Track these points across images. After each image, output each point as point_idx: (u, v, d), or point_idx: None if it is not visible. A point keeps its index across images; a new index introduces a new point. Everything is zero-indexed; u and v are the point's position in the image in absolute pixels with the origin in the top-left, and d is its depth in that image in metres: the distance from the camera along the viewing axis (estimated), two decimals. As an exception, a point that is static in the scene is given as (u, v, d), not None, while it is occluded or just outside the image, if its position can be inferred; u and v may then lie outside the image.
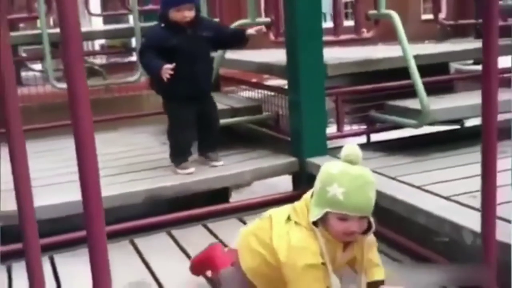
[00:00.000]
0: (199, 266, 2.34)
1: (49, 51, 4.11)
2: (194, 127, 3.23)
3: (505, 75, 3.00)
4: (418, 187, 2.62)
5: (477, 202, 1.89)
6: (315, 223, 1.82)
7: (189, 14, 3.01)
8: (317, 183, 1.85)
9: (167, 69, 2.93)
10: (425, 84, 2.98)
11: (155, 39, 3.06)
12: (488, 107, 1.58)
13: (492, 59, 1.56)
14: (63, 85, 5.25)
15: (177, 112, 3.17)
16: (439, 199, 2.43)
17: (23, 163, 1.30)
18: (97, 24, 9.29)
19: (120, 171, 3.31)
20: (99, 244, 1.30)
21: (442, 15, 4.78)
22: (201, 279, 2.40)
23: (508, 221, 2.01)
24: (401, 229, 2.57)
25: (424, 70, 3.13)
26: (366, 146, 3.41)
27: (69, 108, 1.22)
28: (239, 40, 3.21)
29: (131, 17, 4.41)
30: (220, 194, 3.35)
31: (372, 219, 1.83)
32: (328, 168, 1.84)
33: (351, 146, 1.84)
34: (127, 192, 2.89)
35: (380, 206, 2.58)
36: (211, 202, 3.20)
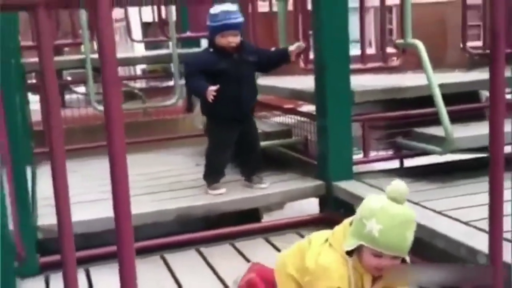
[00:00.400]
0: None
1: (91, 75, 4.33)
2: (232, 149, 3.36)
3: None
4: (439, 212, 2.69)
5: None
6: (349, 252, 1.84)
7: (233, 39, 3.17)
8: (357, 214, 1.86)
9: (212, 90, 3.09)
10: (453, 112, 3.05)
11: (202, 62, 3.22)
12: (494, 137, 1.67)
13: (498, 88, 1.65)
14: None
15: (220, 133, 3.32)
16: (458, 224, 2.49)
17: (63, 180, 1.44)
18: (139, 50, 9.61)
19: (154, 190, 3.46)
20: (128, 259, 1.43)
21: (478, 43, 4.82)
22: (226, 294, 2.52)
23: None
24: (422, 253, 2.63)
25: (454, 98, 3.20)
26: (392, 172, 3.49)
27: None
28: (283, 57, 3.35)
29: (170, 43, 4.62)
30: (251, 215, 3.47)
31: (407, 258, 1.84)
32: (369, 201, 1.85)
33: (397, 182, 1.82)
34: (160, 210, 3.04)
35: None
36: (242, 222, 3.32)
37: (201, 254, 3.04)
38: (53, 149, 1.44)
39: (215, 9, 3.16)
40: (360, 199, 3.08)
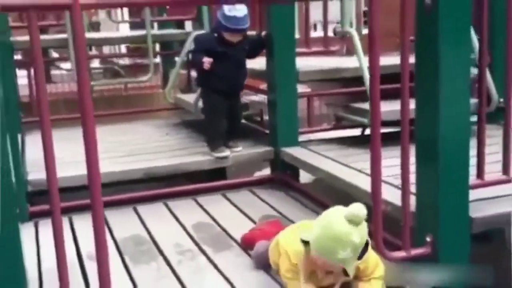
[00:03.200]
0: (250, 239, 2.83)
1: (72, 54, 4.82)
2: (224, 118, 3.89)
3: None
4: (359, 170, 3.28)
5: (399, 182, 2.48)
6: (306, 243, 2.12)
7: (238, 37, 3.74)
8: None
9: (207, 61, 3.68)
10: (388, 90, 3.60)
11: (207, 43, 3.77)
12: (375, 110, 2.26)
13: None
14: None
15: (215, 101, 3.84)
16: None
17: (50, 144, 1.95)
18: (124, 30, 10.01)
19: (126, 154, 4.02)
20: (97, 206, 1.95)
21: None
22: (184, 236, 3.10)
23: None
24: (347, 201, 3.22)
25: (392, 78, 3.75)
26: (331, 141, 4.09)
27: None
28: (260, 44, 3.90)
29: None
30: (218, 174, 4.02)
31: (351, 273, 2.06)
32: (329, 212, 2.10)
33: (358, 207, 2.04)
34: (130, 169, 3.62)
35: (336, 187, 3.26)
36: (210, 180, 3.90)
37: (167, 206, 3.62)
38: (42, 119, 1.96)
39: (230, 11, 3.65)
40: (302, 162, 3.69)
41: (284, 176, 3.92)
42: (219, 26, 3.74)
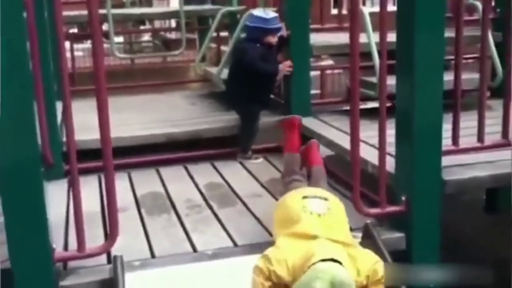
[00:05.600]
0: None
1: (112, 28, 5.20)
2: None
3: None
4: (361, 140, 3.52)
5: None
6: None
7: (276, 38, 4.01)
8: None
9: (286, 65, 4.03)
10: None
11: (260, 53, 3.93)
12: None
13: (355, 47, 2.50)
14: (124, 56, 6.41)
15: (257, 114, 4.08)
16: (364, 145, 3.31)
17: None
18: (174, 4, 10.23)
19: (153, 121, 4.37)
20: (108, 167, 2.34)
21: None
22: (195, 194, 3.46)
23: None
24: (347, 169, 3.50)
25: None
26: (342, 112, 4.34)
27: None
28: (287, 43, 4.12)
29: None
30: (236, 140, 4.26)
31: None
32: (320, 267, 2.08)
33: (339, 271, 2.07)
34: (152, 134, 3.99)
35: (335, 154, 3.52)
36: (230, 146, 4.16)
37: (186, 169, 3.97)
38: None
39: (266, 14, 3.95)
40: (310, 130, 3.98)
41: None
42: (259, 32, 3.94)
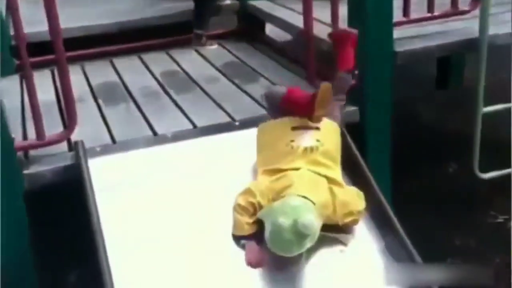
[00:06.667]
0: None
1: None
2: None
3: None
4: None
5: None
6: None
7: None
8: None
9: None
10: None
11: None
12: None
13: None
14: None
15: None
16: (317, 24, 3.29)
17: None
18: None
19: (105, 12, 4.25)
20: (60, 56, 2.29)
21: None
22: (152, 82, 3.45)
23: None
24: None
25: None
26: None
27: None
28: None
29: None
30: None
31: None
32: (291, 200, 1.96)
33: (306, 215, 1.89)
34: (104, 23, 3.89)
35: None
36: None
37: (141, 59, 3.92)
38: None
39: None
40: (265, 13, 3.96)
41: (248, 29, 4.19)
42: None
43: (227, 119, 2.83)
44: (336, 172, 2.22)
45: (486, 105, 2.92)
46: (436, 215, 3.31)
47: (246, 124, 2.71)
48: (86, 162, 2.38)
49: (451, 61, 4.49)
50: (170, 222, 2.22)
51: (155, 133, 2.74)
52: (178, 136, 2.66)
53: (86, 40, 3.85)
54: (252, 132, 2.65)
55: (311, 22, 2.68)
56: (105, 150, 2.55)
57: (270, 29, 4.26)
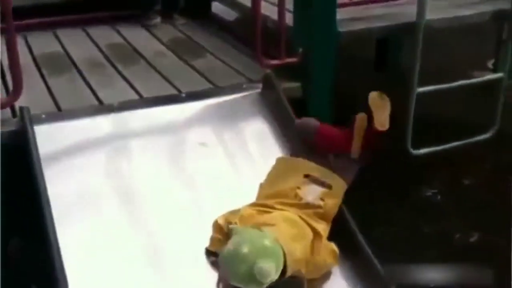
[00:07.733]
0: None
1: None
2: None
3: None
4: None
5: None
6: None
7: None
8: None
9: None
10: None
11: None
12: None
13: None
14: None
15: None
16: (264, 3, 3.34)
17: None
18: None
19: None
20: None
21: None
22: (97, 54, 3.44)
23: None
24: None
25: None
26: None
27: None
28: None
29: None
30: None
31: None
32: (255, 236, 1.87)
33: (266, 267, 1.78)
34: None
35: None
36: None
37: (86, 31, 3.88)
38: None
39: None
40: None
41: (196, 6, 4.21)
42: None
43: (173, 91, 2.87)
44: (325, 226, 2.11)
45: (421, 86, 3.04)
46: (373, 189, 3.43)
47: (192, 96, 2.76)
48: (32, 129, 2.37)
49: (388, 45, 4.64)
50: (112, 187, 2.26)
51: (101, 103, 2.75)
52: (125, 106, 2.68)
53: (27, 10, 3.78)
54: (199, 104, 2.72)
55: (259, 1, 2.73)
56: (50, 117, 2.55)
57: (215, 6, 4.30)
